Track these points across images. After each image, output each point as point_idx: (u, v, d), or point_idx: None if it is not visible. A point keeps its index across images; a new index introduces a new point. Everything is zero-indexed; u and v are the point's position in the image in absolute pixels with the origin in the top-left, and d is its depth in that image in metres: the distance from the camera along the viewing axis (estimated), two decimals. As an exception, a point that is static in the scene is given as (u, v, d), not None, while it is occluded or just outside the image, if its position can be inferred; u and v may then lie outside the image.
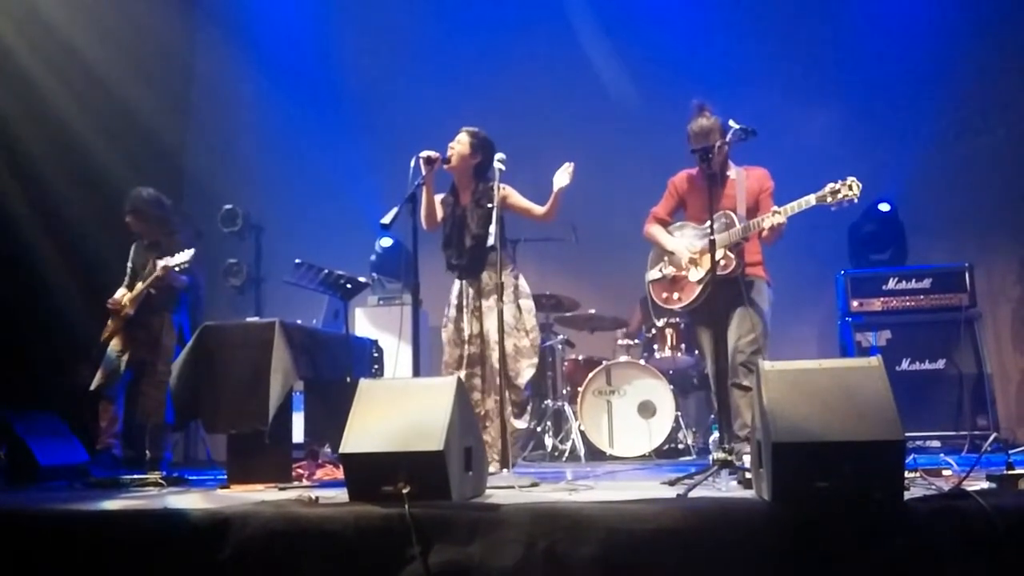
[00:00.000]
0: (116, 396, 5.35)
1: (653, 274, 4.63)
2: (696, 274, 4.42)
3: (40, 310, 6.14)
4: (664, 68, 7.09)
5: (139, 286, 5.34)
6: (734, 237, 4.27)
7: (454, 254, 4.41)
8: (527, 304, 4.39)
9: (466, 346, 4.36)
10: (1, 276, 5.38)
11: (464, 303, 4.40)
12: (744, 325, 4.25)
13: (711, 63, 6.90)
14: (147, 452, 5.27)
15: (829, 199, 4.03)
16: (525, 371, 4.31)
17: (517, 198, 4.40)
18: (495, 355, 4.15)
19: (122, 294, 5.48)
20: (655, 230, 4.65)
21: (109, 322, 5.46)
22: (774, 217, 4.15)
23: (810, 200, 4.08)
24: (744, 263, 4.34)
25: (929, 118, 6.60)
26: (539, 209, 4.38)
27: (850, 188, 3.98)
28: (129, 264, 5.62)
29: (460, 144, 4.36)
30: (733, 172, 4.46)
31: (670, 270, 4.54)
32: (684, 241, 4.51)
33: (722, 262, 4.17)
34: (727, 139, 4.11)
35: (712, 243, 3.90)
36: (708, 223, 3.96)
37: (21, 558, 2.95)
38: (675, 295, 4.53)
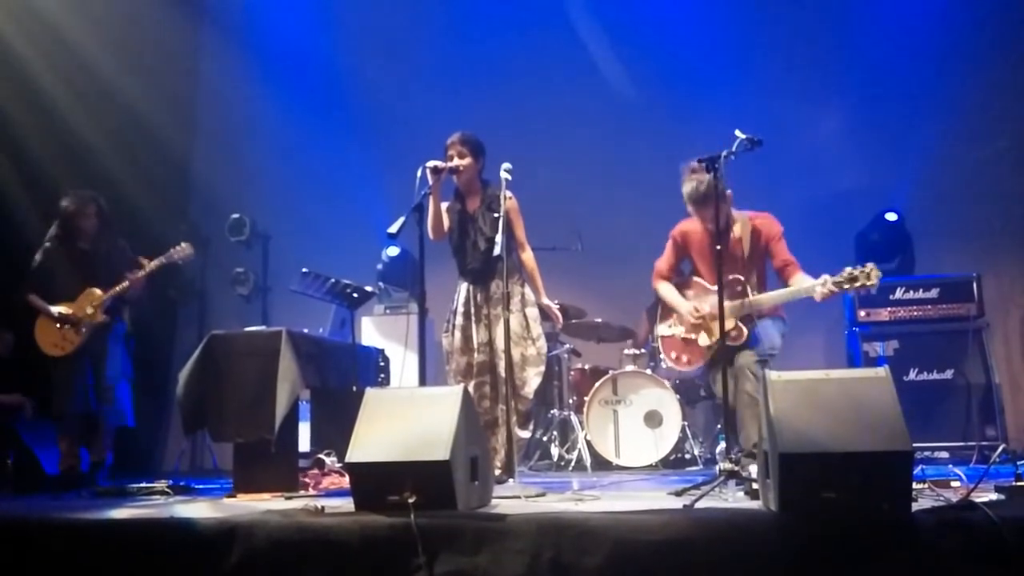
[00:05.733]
0: (71, 418, 5.08)
1: (663, 329, 4.57)
2: (705, 340, 4.35)
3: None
4: (670, 76, 7.11)
5: (103, 291, 5.08)
6: (744, 309, 4.18)
7: (467, 259, 4.42)
8: (533, 313, 4.40)
9: (475, 354, 4.36)
10: (7, 282, 5.38)
11: (472, 310, 4.41)
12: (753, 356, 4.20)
13: (718, 70, 6.90)
14: (98, 454, 5.08)
15: (846, 287, 3.94)
16: (532, 380, 4.32)
17: (517, 220, 4.41)
18: (503, 363, 4.15)
19: (67, 304, 5.09)
20: (663, 289, 4.55)
21: (66, 334, 5.08)
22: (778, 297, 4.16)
23: (827, 285, 3.98)
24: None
25: (937, 127, 6.58)
26: (525, 247, 4.45)
27: (868, 277, 3.88)
28: (41, 258, 5.18)
29: (462, 156, 4.37)
30: (738, 227, 4.32)
31: (679, 329, 4.47)
32: (690, 304, 4.40)
33: (732, 333, 4.10)
34: (733, 149, 4.06)
35: (721, 308, 3.81)
36: (716, 285, 3.86)
37: (28, 567, 2.95)
38: (684, 357, 4.46)
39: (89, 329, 5.07)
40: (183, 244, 5.21)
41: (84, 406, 5.06)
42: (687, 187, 4.23)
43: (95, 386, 5.08)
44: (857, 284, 3.92)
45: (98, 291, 5.11)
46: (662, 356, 4.60)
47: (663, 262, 4.57)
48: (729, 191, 4.18)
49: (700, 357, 4.39)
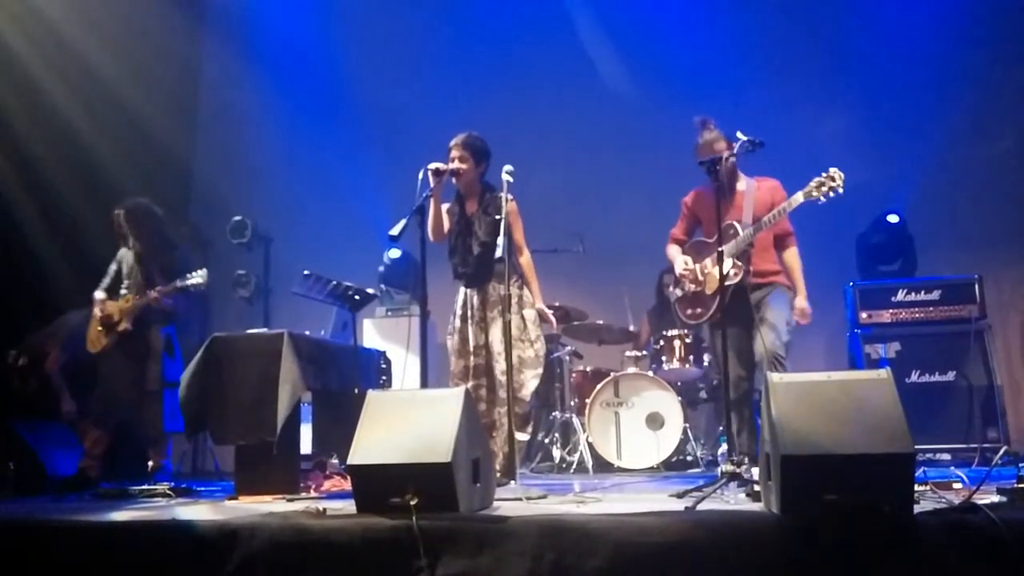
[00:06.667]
0: (108, 417, 5.21)
1: (676, 293, 4.77)
2: (711, 288, 4.51)
3: (50, 322, 6.16)
4: (672, 78, 7.10)
5: (133, 300, 5.21)
6: (741, 245, 4.32)
7: (460, 262, 4.42)
8: (531, 315, 4.39)
9: (471, 357, 4.36)
10: (10, 287, 5.39)
11: (469, 313, 4.40)
12: (769, 335, 4.30)
13: (719, 73, 6.90)
14: (150, 462, 5.23)
15: (815, 194, 4.09)
16: (529, 382, 4.31)
17: (516, 223, 4.39)
18: (500, 366, 4.14)
19: (107, 301, 5.30)
20: (669, 251, 4.80)
21: (100, 335, 5.29)
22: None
23: (797, 198, 4.16)
24: (752, 271, 4.37)
25: (938, 129, 6.58)
26: (524, 250, 4.45)
27: (832, 179, 4.06)
28: (114, 267, 5.44)
29: (463, 160, 4.37)
30: (743, 183, 4.50)
31: (690, 287, 4.65)
32: (683, 258, 4.65)
33: (732, 272, 4.21)
34: (735, 151, 4.13)
35: (720, 254, 3.95)
36: (716, 236, 4.00)
37: (28, 569, 2.96)
38: (698, 310, 4.63)
39: (114, 335, 5.22)
40: (202, 270, 5.13)
41: (114, 411, 5.19)
42: (700, 139, 4.46)
43: (130, 395, 5.23)
44: (825, 188, 4.08)
45: (131, 299, 5.25)
46: (680, 318, 4.83)
47: (675, 228, 4.81)
48: (734, 142, 4.27)
49: (710, 305, 4.53)
